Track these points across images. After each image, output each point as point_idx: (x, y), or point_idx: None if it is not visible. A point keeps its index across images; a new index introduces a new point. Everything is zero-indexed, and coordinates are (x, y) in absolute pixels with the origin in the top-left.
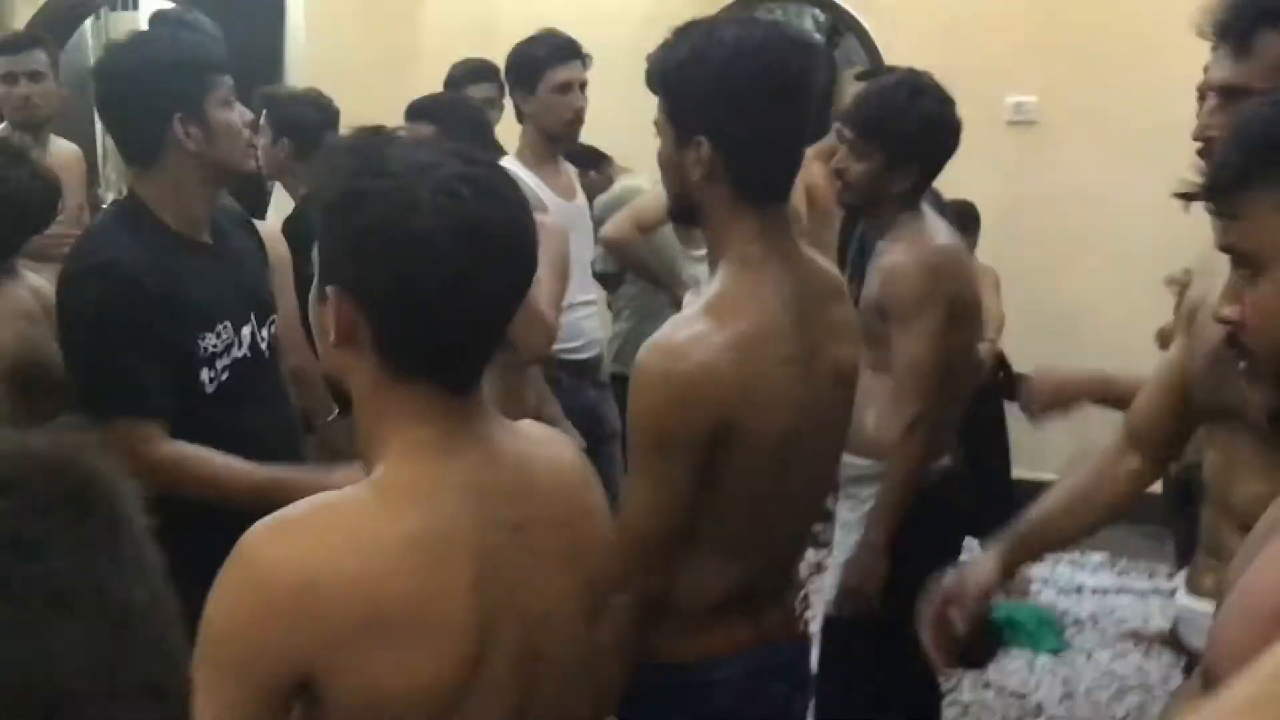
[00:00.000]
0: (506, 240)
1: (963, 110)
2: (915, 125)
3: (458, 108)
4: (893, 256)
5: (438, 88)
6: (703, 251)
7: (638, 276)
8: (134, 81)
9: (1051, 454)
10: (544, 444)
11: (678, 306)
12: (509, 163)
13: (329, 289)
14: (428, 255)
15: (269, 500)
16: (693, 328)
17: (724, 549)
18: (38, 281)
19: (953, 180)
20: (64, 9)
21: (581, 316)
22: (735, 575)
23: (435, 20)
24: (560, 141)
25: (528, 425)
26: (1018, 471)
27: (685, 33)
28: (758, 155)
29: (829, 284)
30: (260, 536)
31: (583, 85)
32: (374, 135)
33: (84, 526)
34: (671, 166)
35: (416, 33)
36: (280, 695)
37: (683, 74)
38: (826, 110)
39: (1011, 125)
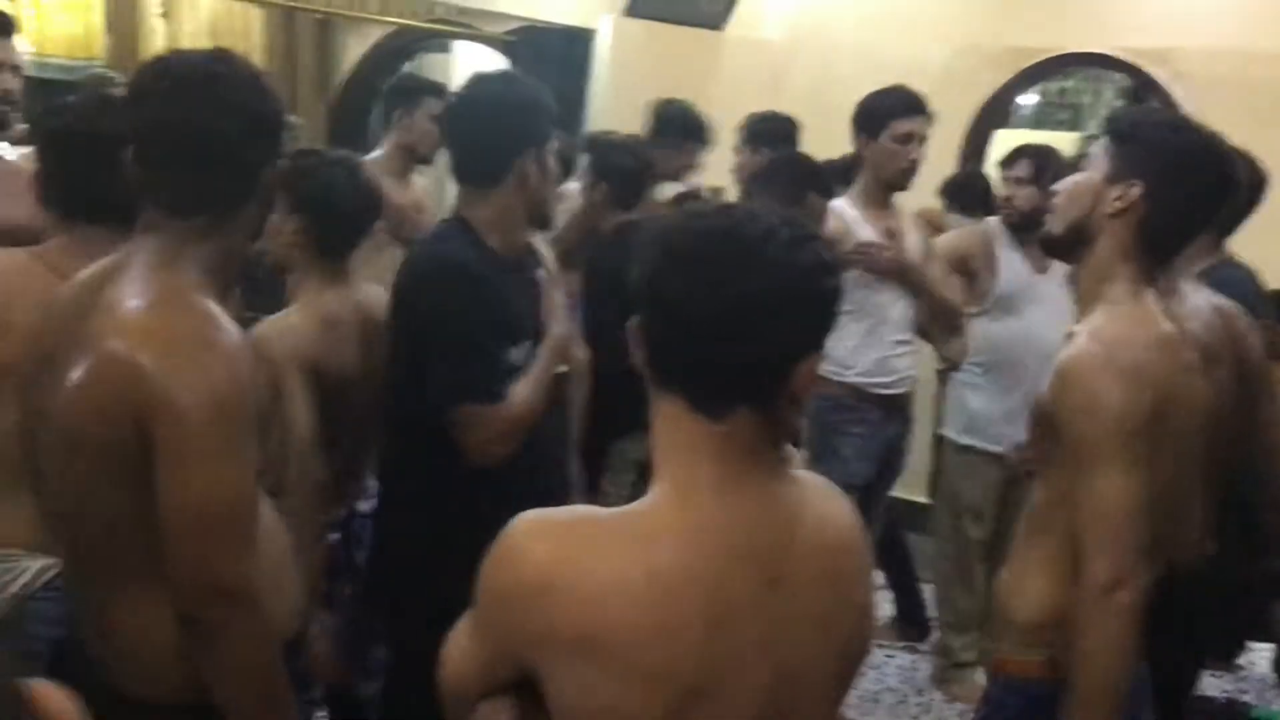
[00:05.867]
0: (778, 282)
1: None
2: None
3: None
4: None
5: (727, 137)
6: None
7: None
8: (498, 110)
9: None
10: (819, 501)
11: (943, 361)
12: (841, 202)
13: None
14: (688, 263)
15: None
16: (1109, 332)
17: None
18: (371, 291)
19: (1251, 255)
20: (389, 51)
21: (894, 355)
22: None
23: (730, 74)
24: (893, 188)
25: (810, 478)
26: None
27: (1161, 110)
28: (1172, 223)
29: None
30: (526, 528)
31: (922, 139)
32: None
33: None
34: (1087, 196)
35: (712, 84)
36: (505, 666)
37: (1154, 130)
38: None
39: None
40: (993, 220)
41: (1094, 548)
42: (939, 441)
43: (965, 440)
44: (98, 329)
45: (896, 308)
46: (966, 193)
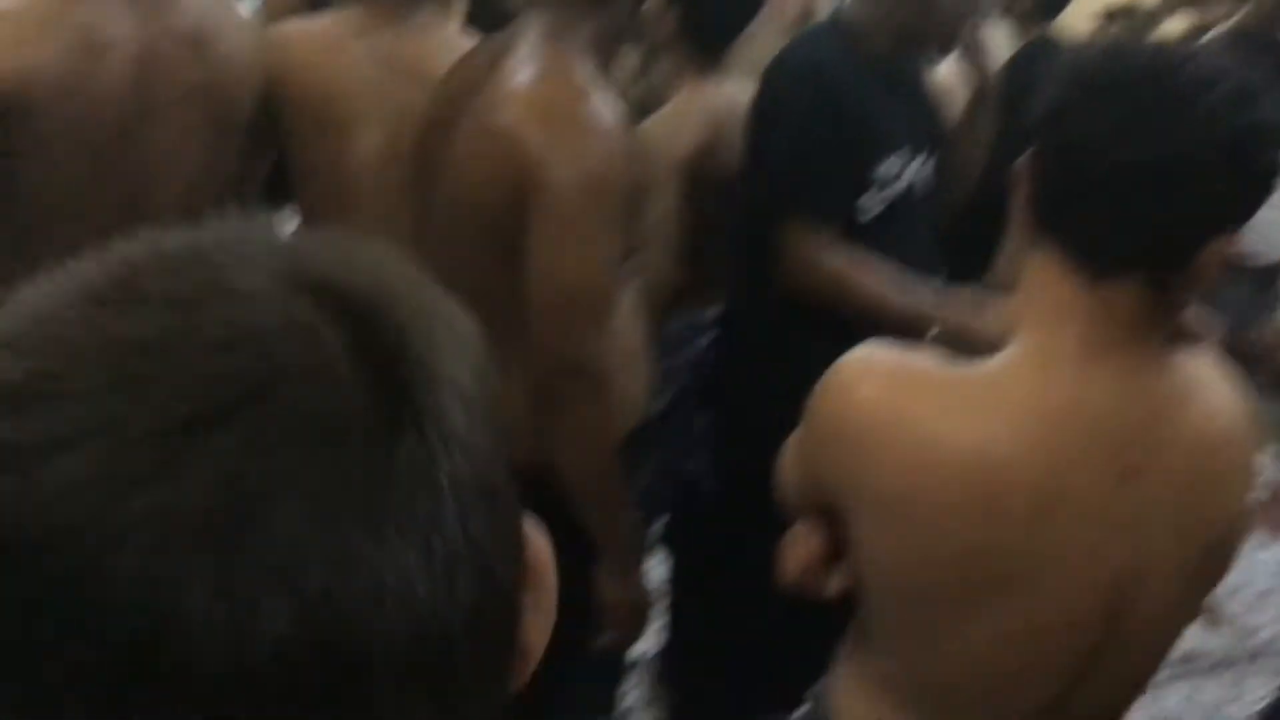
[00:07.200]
0: (1207, 142)
1: None
2: None
3: None
4: None
5: None
6: None
7: None
8: None
9: None
10: (1207, 389)
11: None
12: None
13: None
14: (1105, 102)
15: (914, 328)
16: None
17: None
18: (734, 89)
19: None
20: None
21: None
22: None
23: None
24: None
25: (1205, 365)
26: None
27: None
28: None
29: None
30: (858, 365)
31: None
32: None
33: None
34: None
35: None
36: (817, 493)
37: None
38: None
39: None
40: None
41: None
42: None
43: None
44: (486, 102)
45: None
46: None
